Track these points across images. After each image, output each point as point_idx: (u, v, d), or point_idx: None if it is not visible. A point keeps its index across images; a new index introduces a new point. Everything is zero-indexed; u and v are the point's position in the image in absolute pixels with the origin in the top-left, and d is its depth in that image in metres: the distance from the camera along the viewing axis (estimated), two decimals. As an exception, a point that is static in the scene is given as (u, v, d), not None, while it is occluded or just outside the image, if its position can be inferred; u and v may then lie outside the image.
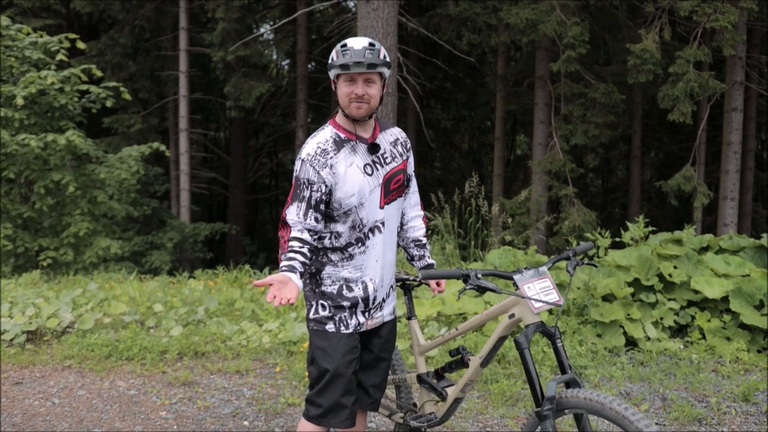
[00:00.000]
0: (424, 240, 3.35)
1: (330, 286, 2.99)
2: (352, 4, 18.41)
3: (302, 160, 2.87)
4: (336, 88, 2.88)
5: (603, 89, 12.92)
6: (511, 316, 2.89)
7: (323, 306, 2.99)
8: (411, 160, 3.20)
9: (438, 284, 3.36)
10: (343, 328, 2.98)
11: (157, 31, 19.13)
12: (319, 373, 2.96)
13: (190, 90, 18.08)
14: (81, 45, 11.05)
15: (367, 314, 3.04)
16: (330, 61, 2.85)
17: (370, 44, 2.82)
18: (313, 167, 2.84)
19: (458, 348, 3.21)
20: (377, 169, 2.97)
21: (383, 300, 3.10)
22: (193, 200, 18.89)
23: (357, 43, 2.82)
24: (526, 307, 2.81)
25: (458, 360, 3.22)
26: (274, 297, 2.58)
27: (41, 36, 11.03)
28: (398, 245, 3.31)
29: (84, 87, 10.91)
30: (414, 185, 3.29)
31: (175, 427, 4.54)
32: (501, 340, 3.01)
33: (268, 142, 24.85)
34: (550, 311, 5.93)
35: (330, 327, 2.98)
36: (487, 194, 17.96)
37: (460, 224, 8.48)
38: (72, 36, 11.06)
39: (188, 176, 17.80)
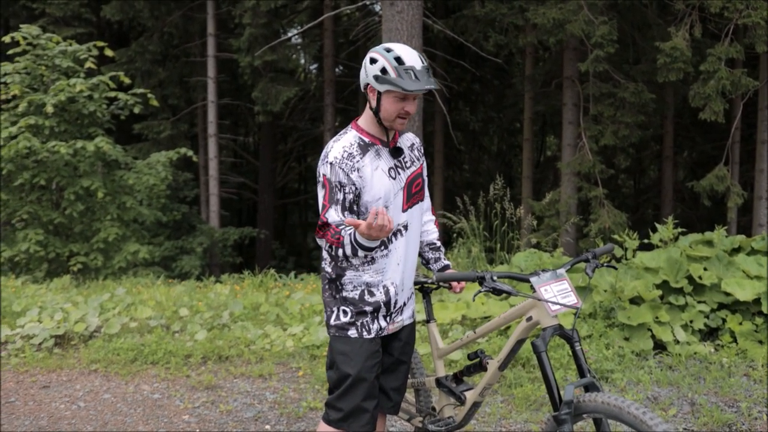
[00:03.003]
0: (439, 243, 3.33)
1: (351, 291, 2.95)
2: (378, 7, 18.42)
3: (330, 163, 2.81)
4: (378, 97, 2.81)
5: (632, 89, 12.72)
6: (529, 318, 2.85)
7: (345, 312, 2.95)
8: (425, 164, 3.17)
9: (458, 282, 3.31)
10: (365, 333, 2.94)
11: (186, 38, 19.34)
12: (340, 378, 2.92)
13: (218, 95, 18.24)
14: (109, 52, 11.21)
15: (388, 318, 3.01)
16: (380, 73, 2.75)
17: (422, 59, 2.77)
18: (343, 170, 2.80)
19: (476, 351, 3.19)
20: (399, 173, 2.95)
21: (404, 304, 3.08)
22: (222, 205, 19.03)
23: (416, 61, 2.75)
24: (544, 309, 2.76)
25: (477, 363, 3.19)
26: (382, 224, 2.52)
27: (70, 44, 11.20)
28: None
29: (112, 94, 11.06)
30: (426, 189, 3.26)
31: (198, 430, 4.55)
32: (519, 343, 2.97)
33: (296, 146, 24.96)
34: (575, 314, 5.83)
35: (352, 333, 2.94)
36: (516, 196, 17.85)
37: (488, 227, 8.40)
38: (100, 44, 11.22)
39: (217, 181, 17.94)
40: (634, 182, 25.35)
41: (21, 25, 11.16)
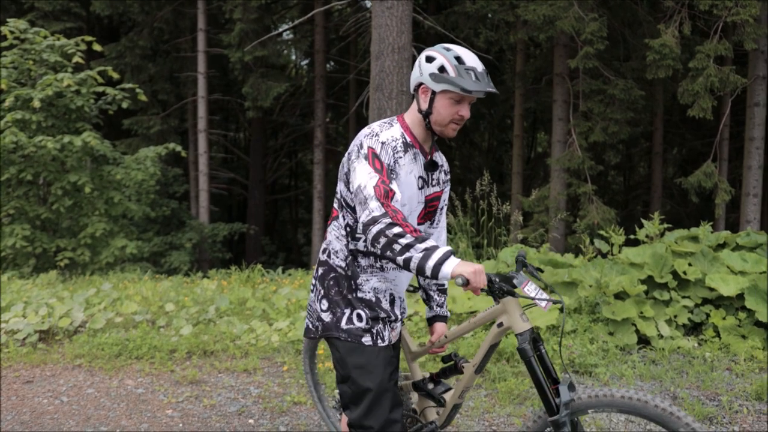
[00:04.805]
0: (446, 286, 3.20)
1: (368, 293, 2.75)
2: (369, 3, 18.39)
3: (382, 143, 2.60)
4: (431, 98, 2.62)
5: (622, 85, 12.77)
6: (500, 324, 2.75)
7: (359, 316, 2.73)
8: (447, 190, 2.98)
9: (438, 344, 3.15)
10: (380, 341, 2.74)
11: (176, 33, 19.28)
12: (359, 393, 2.69)
13: (208, 91, 18.19)
14: (97, 47, 11.14)
15: (390, 327, 2.86)
16: (437, 71, 2.57)
17: (481, 62, 2.62)
18: (393, 155, 2.61)
19: (451, 354, 3.11)
20: (425, 187, 2.78)
21: (402, 313, 2.96)
22: (212, 201, 19.01)
23: (476, 63, 2.58)
24: (515, 315, 2.70)
25: (452, 366, 3.14)
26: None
27: (58, 39, 11.14)
28: (418, 284, 3.20)
29: (100, 89, 11.00)
30: (444, 220, 3.07)
31: (181, 425, 4.54)
32: (493, 347, 2.90)
33: (287, 142, 24.92)
34: (561, 309, 5.86)
35: (366, 340, 2.72)
36: (506, 192, 17.82)
37: (477, 223, 8.41)
38: (88, 39, 11.16)
39: (207, 177, 17.90)
40: (624, 179, 25.43)
41: (8, 20, 11.08)
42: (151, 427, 4.51)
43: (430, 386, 3.21)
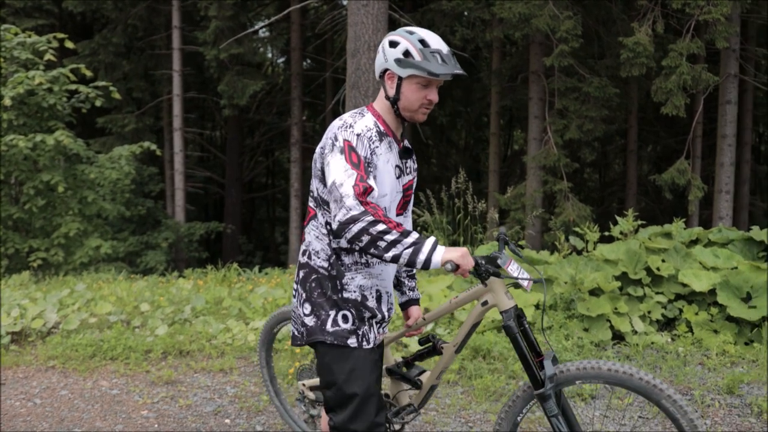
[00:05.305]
0: (415, 271, 3.22)
1: (353, 292, 2.67)
2: (345, 1, 18.34)
3: (357, 134, 2.51)
4: (398, 83, 2.56)
5: (597, 83, 12.88)
6: (484, 303, 2.76)
7: (345, 317, 2.66)
8: (416, 178, 2.91)
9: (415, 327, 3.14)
10: (365, 343, 2.68)
11: (150, 30, 19.11)
12: (345, 398, 2.64)
13: (184, 89, 18.06)
14: (69, 44, 11.00)
15: (378, 327, 2.79)
16: (402, 56, 2.52)
17: (446, 44, 2.58)
18: (369, 146, 2.53)
19: (429, 336, 3.10)
20: (401, 176, 2.73)
21: (389, 310, 2.90)
22: (188, 200, 18.88)
23: (441, 45, 2.53)
24: (500, 293, 2.72)
25: (430, 348, 3.13)
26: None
27: (29, 36, 10.99)
28: None
29: (73, 87, 10.87)
30: (411, 207, 2.99)
31: (156, 426, 4.50)
32: (474, 326, 2.92)
33: (263, 140, 24.82)
34: (537, 306, 5.91)
35: (352, 342, 2.65)
36: (483, 190, 17.87)
37: (453, 221, 8.44)
38: (60, 36, 11.01)
39: (183, 175, 17.77)
40: (599, 176, 25.66)
41: (-22, 16, 10.93)
42: (126, 428, 4.47)
43: (404, 370, 3.19)
